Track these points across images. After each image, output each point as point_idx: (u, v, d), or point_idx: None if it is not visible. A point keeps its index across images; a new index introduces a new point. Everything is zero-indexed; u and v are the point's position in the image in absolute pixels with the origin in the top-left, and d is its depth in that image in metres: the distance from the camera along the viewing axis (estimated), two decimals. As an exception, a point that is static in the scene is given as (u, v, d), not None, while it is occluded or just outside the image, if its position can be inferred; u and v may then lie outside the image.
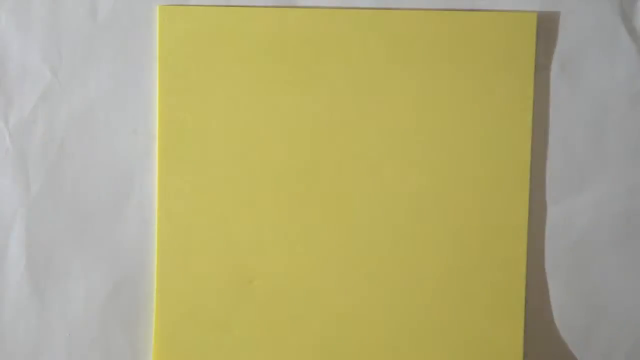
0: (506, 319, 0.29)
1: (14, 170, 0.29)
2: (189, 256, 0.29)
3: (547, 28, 0.29)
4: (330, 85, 0.29)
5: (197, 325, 0.29)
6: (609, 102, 0.29)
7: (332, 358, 0.29)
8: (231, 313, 0.29)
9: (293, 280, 0.29)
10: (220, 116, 0.29)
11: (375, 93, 0.29)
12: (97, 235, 0.29)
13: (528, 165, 0.29)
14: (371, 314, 0.29)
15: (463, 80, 0.28)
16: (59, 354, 0.29)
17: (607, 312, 0.29)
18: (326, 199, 0.29)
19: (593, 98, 0.29)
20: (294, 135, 0.29)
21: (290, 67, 0.29)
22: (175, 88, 0.28)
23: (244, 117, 0.29)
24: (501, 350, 0.29)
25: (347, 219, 0.29)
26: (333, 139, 0.29)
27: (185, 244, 0.29)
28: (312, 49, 0.28)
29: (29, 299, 0.29)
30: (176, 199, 0.29)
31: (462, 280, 0.29)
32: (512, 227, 0.29)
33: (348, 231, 0.29)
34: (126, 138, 0.29)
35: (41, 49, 0.29)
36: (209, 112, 0.29)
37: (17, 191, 0.29)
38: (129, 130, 0.29)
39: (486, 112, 0.29)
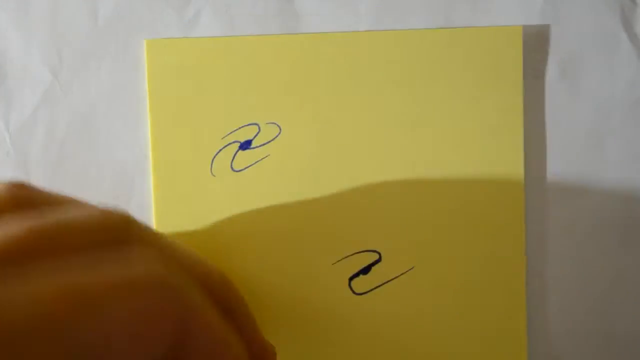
0: (507, 325, 0.29)
1: (15, 172, 0.29)
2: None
3: (544, 35, 0.29)
4: (323, 111, 0.29)
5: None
6: (610, 109, 0.29)
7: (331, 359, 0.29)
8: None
9: (292, 283, 0.29)
10: (212, 143, 0.29)
11: (365, 110, 0.29)
12: (97, 236, 0.29)
13: (522, 173, 0.29)
14: (369, 316, 0.29)
15: (454, 95, 0.28)
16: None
17: (607, 317, 0.30)
18: (322, 215, 0.29)
19: (593, 104, 0.29)
20: (287, 155, 0.29)
21: (279, 93, 0.28)
22: (166, 121, 0.28)
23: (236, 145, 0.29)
24: (503, 355, 0.29)
25: (344, 242, 0.29)
26: (330, 157, 0.29)
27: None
28: (303, 75, 0.28)
29: (30, 299, 0.29)
30: (172, 213, 0.29)
31: (459, 290, 0.29)
32: (509, 234, 0.29)
33: (345, 254, 0.29)
34: (126, 140, 0.29)
35: (42, 51, 0.29)
36: (201, 139, 0.29)
37: (18, 192, 0.29)
38: (129, 132, 0.29)
39: (479, 125, 0.29)
